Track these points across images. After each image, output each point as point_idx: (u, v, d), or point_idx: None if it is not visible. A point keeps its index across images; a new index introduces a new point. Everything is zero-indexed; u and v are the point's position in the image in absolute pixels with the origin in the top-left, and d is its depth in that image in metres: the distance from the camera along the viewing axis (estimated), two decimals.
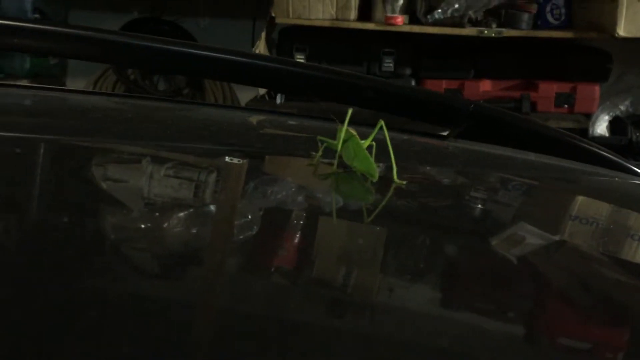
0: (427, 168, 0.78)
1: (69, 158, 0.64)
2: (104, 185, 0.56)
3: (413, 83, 2.91)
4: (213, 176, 0.62)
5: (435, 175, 0.76)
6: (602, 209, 0.73)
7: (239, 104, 3.21)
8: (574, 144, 0.91)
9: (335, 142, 0.63)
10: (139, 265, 0.43)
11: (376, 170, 0.63)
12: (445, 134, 0.91)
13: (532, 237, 0.61)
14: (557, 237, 0.63)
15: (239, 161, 0.65)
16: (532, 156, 0.83)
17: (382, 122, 0.65)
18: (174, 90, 3.17)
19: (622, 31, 2.68)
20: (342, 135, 0.63)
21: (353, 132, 0.64)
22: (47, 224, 0.46)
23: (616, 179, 0.80)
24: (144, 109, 0.91)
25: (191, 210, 0.53)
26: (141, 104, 0.98)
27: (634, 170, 0.87)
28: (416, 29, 2.70)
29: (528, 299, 0.49)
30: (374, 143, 0.64)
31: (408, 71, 2.90)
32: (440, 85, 2.92)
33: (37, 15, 2.88)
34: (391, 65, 2.86)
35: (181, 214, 0.50)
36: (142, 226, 0.48)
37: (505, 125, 0.92)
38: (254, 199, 0.58)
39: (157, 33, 3.06)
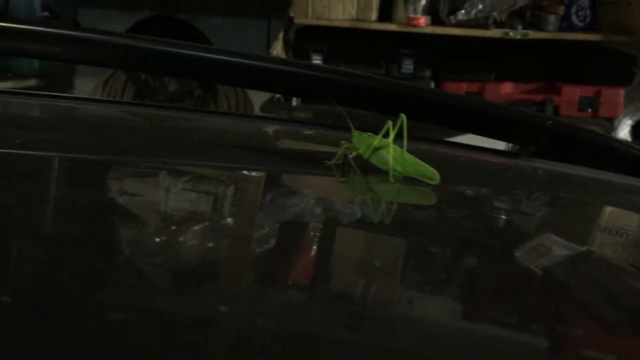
0: (513, 193, 0.70)
1: (82, 174, 0.61)
2: (120, 200, 0.54)
3: (433, 85, 2.84)
4: (231, 190, 0.59)
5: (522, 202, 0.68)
6: None
7: (251, 106, 3.13)
8: None
9: (362, 148, 0.61)
10: (159, 280, 0.41)
11: (435, 173, 0.60)
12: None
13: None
14: None
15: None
16: (626, 180, 0.75)
17: (403, 117, 0.61)
18: (186, 92, 3.08)
19: None
20: (377, 141, 0.60)
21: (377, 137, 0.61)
22: (64, 239, 0.44)
23: None
24: (142, 122, 0.85)
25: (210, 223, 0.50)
26: (141, 113, 0.92)
27: None
28: (439, 30, 2.62)
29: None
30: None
31: (428, 73, 2.82)
32: (460, 88, 2.84)
33: (46, 13, 2.80)
34: (411, 67, 2.78)
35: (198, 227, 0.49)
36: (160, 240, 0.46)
37: (584, 143, 0.84)
38: (276, 213, 0.55)
39: (168, 33, 2.98)
